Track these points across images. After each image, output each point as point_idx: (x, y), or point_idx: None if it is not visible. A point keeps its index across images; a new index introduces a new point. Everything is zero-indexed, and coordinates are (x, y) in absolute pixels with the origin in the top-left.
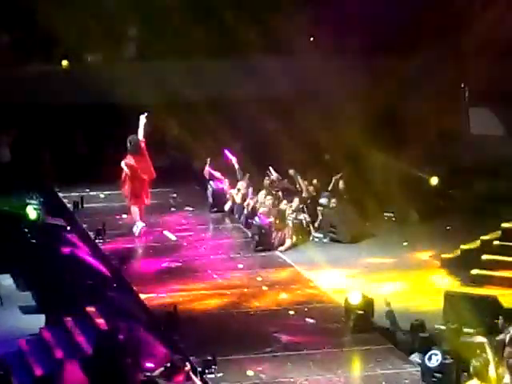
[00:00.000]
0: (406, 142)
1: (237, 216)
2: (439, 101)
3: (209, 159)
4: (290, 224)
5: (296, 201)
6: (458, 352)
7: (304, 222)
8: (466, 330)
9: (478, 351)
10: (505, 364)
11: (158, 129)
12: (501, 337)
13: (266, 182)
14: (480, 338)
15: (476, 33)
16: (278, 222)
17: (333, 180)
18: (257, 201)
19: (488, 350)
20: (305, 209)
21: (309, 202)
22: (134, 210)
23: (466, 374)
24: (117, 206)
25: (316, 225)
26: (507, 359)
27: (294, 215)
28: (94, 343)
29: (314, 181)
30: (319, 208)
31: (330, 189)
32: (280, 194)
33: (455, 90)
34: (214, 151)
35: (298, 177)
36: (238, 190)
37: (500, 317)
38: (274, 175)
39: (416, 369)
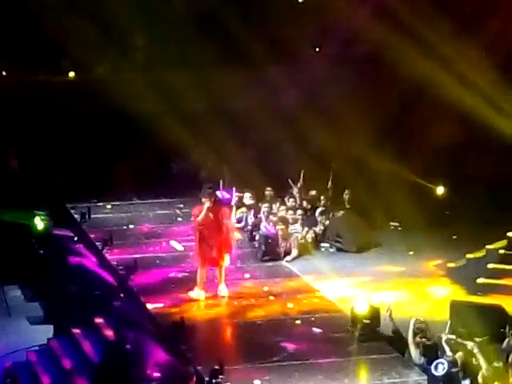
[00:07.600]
0: (411, 151)
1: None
2: (442, 109)
3: (221, 181)
4: (296, 236)
5: (298, 212)
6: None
7: (310, 236)
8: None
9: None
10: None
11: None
12: (504, 345)
13: (269, 193)
14: (469, 344)
15: None
16: (284, 230)
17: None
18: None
19: (478, 356)
20: (300, 221)
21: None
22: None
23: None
24: (124, 216)
25: (320, 233)
26: None
27: (299, 229)
28: (102, 353)
29: (313, 192)
30: (319, 218)
31: (324, 197)
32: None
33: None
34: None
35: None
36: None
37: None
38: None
39: (423, 378)
